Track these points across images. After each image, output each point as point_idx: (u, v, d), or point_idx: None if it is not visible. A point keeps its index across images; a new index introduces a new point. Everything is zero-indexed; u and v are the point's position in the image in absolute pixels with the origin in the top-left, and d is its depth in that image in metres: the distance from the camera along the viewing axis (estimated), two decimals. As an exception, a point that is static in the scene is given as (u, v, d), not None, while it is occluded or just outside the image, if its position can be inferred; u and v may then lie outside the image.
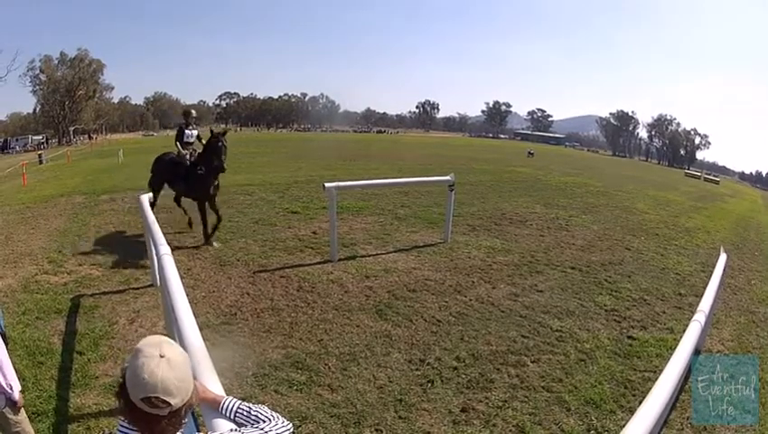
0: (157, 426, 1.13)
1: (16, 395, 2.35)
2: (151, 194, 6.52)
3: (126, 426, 1.16)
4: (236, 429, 1.27)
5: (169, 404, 1.09)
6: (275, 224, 8.74)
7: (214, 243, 7.23)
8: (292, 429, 1.32)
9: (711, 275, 4.11)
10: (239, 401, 1.39)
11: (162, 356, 1.10)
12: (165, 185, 7.72)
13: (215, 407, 1.39)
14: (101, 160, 25.57)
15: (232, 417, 1.36)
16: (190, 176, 7.23)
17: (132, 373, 1.10)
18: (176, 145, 7.62)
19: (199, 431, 1.27)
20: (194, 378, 1.23)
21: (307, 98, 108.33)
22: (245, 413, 1.35)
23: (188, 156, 7.45)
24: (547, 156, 41.63)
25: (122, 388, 1.13)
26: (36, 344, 4.12)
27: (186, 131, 7.66)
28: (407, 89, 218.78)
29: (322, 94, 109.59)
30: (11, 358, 2.46)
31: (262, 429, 1.27)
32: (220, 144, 6.92)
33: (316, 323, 4.76)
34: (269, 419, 1.32)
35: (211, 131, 7.13)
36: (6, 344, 2.45)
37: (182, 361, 1.15)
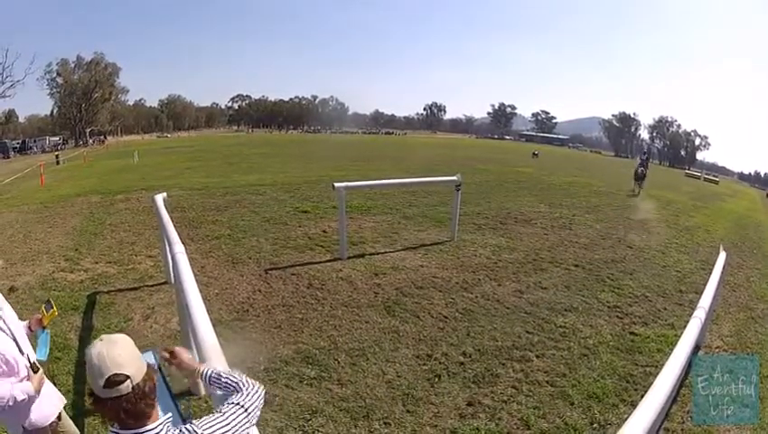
0: (119, 409, 1.20)
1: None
2: (164, 194, 5.69)
3: (115, 430, 1.23)
4: (219, 410, 1.35)
5: (128, 377, 1.18)
6: (286, 223, 8.86)
7: None
8: (262, 392, 1.45)
9: (711, 272, 4.17)
10: (212, 369, 1.55)
11: (101, 340, 1.23)
12: None
13: (197, 376, 1.56)
14: (117, 161, 25.86)
15: (209, 382, 1.53)
16: None
17: (88, 372, 1.20)
18: None
19: (185, 422, 1.32)
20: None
21: (317, 100, 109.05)
22: (215, 378, 1.51)
23: None
24: (552, 157, 41.44)
25: (90, 392, 1.23)
26: (53, 340, 4.13)
27: None
28: (414, 92, 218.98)
29: (331, 96, 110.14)
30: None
31: (241, 406, 1.36)
32: None
33: (326, 319, 4.86)
34: (239, 385, 1.45)
35: None
36: (35, 371, 2.19)
37: (119, 339, 1.24)
